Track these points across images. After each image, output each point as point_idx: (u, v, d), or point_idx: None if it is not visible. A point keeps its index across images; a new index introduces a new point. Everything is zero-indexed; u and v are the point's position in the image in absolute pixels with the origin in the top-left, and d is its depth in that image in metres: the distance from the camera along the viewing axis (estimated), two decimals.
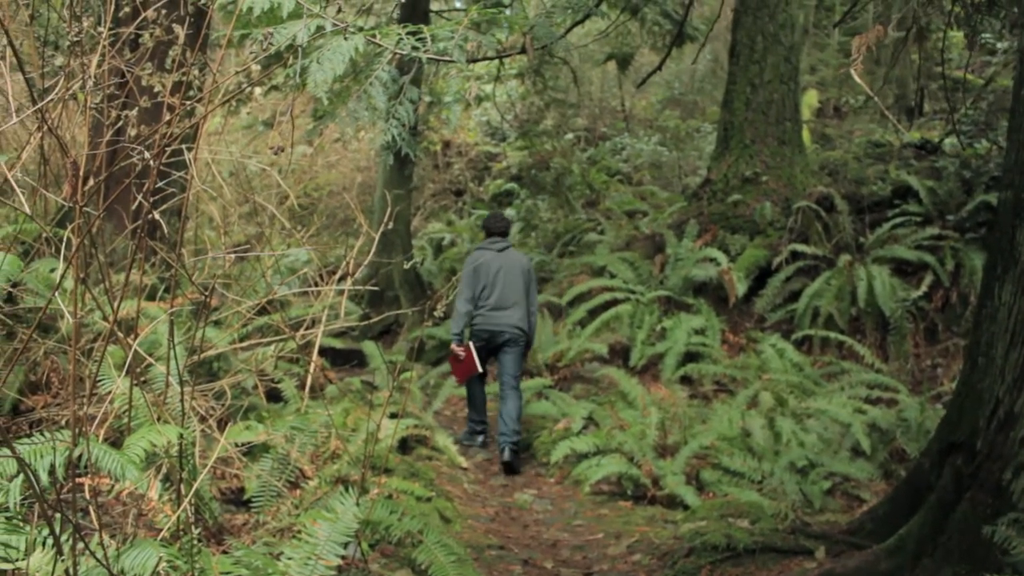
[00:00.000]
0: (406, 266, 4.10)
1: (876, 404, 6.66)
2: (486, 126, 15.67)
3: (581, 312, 8.69)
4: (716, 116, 11.84)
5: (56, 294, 2.24)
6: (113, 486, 3.30)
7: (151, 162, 2.26)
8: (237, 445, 4.05)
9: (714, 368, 7.53)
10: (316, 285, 7.04)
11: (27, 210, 2.37)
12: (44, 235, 4.22)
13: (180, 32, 2.40)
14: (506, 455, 6.42)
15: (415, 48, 3.00)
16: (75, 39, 2.25)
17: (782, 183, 9.27)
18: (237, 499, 4.07)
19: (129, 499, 3.34)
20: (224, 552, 3.23)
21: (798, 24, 10.09)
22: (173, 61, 2.45)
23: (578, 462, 6.18)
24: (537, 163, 12.76)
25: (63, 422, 3.66)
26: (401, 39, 3.00)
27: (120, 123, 2.40)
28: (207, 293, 2.83)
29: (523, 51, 4.13)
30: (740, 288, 8.37)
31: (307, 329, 5.05)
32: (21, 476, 2.32)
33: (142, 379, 3.77)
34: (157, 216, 2.37)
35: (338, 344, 7.85)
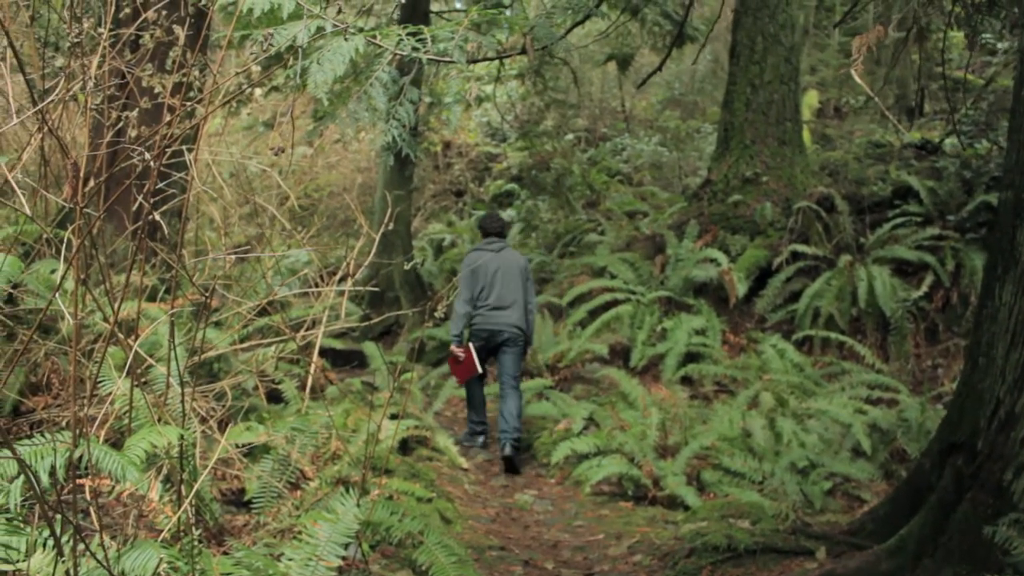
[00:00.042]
0: (406, 267, 4.11)
1: (877, 404, 6.66)
2: (486, 127, 15.68)
3: (581, 313, 8.69)
4: (716, 116, 11.85)
5: (57, 295, 2.24)
6: (114, 487, 3.30)
7: (151, 163, 2.26)
8: (238, 446, 4.05)
9: (715, 368, 7.53)
10: (316, 286, 7.04)
11: (28, 211, 2.37)
12: (45, 236, 4.22)
13: (180, 33, 2.41)
14: (507, 450, 6.45)
15: (415, 49, 3.00)
16: (75, 40, 2.25)
17: (782, 183, 9.27)
18: (238, 500, 4.07)
19: (130, 500, 3.34)
20: (225, 553, 3.23)
21: (798, 24, 10.09)
22: (173, 62, 2.45)
23: (579, 463, 6.18)
24: (537, 164, 12.76)
25: (64, 423, 3.66)
26: (401, 40, 3.00)
27: (120, 124, 2.40)
28: (207, 294, 2.83)
29: (523, 52, 4.13)
30: (741, 288, 8.37)
31: (308, 330, 5.05)
32: (22, 477, 2.32)
33: (143, 380, 3.77)
34: (157, 217, 2.37)
35: (339, 345, 7.85)
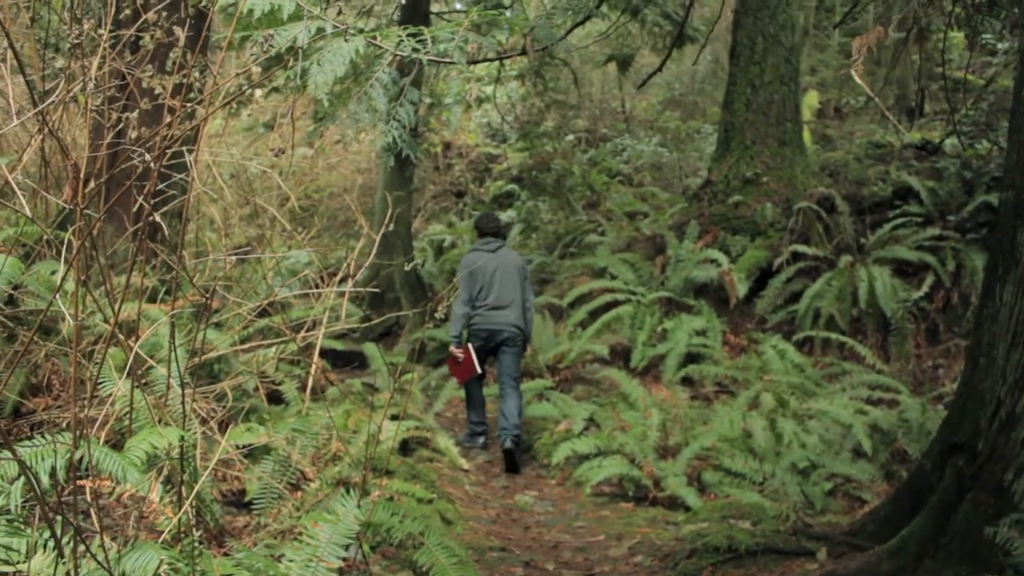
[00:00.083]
0: (407, 268, 4.11)
1: (877, 405, 6.66)
2: (487, 128, 15.68)
3: (582, 313, 8.69)
4: (716, 117, 11.85)
5: (57, 296, 2.24)
6: (114, 488, 3.30)
7: (152, 164, 2.26)
8: (238, 447, 4.05)
9: (715, 369, 7.53)
10: (317, 287, 7.05)
11: (28, 212, 2.37)
12: (45, 237, 4.22)
13: (181, 34, 2.41)
14: (507, 443, 6.48)
15: (415, 50, 3.00)
16: (76, 41, 2.25)
17: (783, 184, 9.27)
18: (238, 501, 4.07)
19: (130, 501, 3.34)
20: (225, 554, 3.23)
21: (798, 25, 10.09)
22: (174, 63, 2.45)
23: (579, 463, 6.17)
24: (538, 164, 12.77)
25: (64, 424, 3.65)
26: (401, 41, 3.00)
27: (121, 125, 2.40)
28: (208, 295, 2.83)
29: (523, 53, 4.13)
30: (741, 289, 8.37)
31: (308, 331, 5.05)
32: (22, 478, 2.32)
33: (143, 381, 3.77)
34: (158, 218, 2.37)
35: (339, 346, 7.85)
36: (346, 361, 8.23)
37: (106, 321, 3.44)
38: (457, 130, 15.13)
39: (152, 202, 2.36)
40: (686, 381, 7.67)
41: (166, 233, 2.83)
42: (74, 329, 2.19)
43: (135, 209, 2.56)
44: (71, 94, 2.47)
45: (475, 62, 3.61)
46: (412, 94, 3.58)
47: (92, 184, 2.32)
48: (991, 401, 3.65)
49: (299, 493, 4.08)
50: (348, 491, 3.40)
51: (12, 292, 4.09)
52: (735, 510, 5.07)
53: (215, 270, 5.79)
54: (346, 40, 2.92)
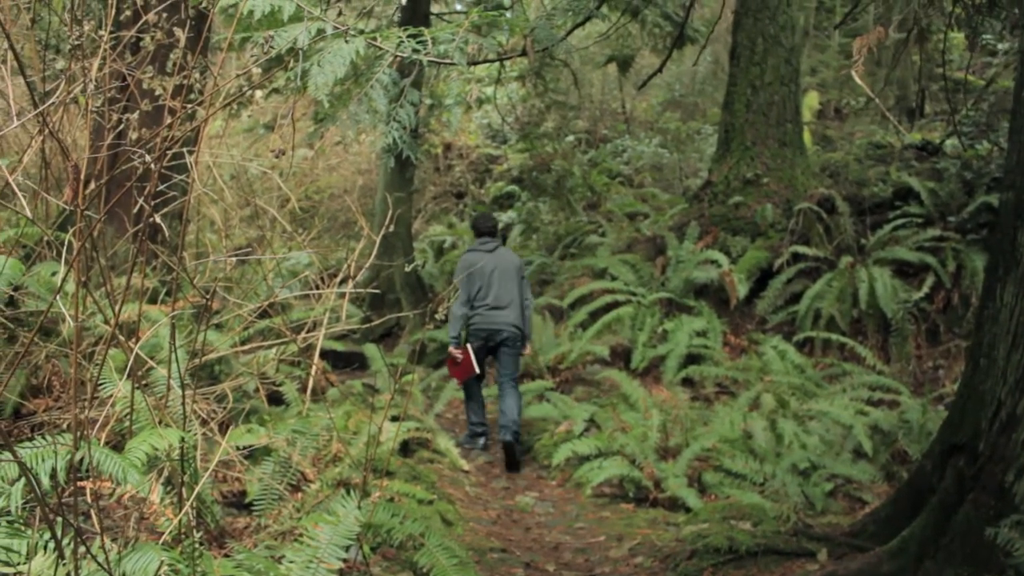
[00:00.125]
0: (407, 269, 4.10)
1: (878, 406, 6.65)
2: (487, 128, 15.68)
3: (582, 314, 8.69)
4: (717, 118, 11.85)
5: (57, 298, 2.24)
6: (115, 490, 3.30)
7: (152, 165, 2.26)
8: (238, 448, 4.05)
9: (715, 370, 7.53)
10: (317, 288, 7.05)
11: (28, 214, 2.37)
12: (45, 239, 4.23)
13: (181, 35, 2.41)
14: (507, 437, 6.51)
15: (416, 51, 3.00)
16: (76, 43, 2.25)
17: (783, 185, 9.28)
18: (239, 502, 4.07)
19: (131, 503, 3.34)
20: (226, 555, 3.23)
21: (799, 26, 10.10)
22: (174, 64, 2.45)
23: (580, 464, 6.17)
24: (538, 165, 12.77)
25: (64, 426, 3.65)
26: (402, 42, 3.00)
27: (121, 126, 2.40)
28: (208, 296, 2.83)
29: (524, 53, 4.13)
30: (741, 290, 8.37)
31: (308, 332, 5.05)
32: (22, 480, 2.32)
33: (143, 382, 3.77)
34: (158, 219, 2.37)
35: (339, 347, 7.85)
36: (346, 362, 8.23)
37: (106, 322, 3.44)
38: (457, 131, 15.14)
39: (152, 203, 2.36)
40: (687, 382, 7.67)
41: (166, 234, 2.83)
42: (74, 330, 2.19)
43: (135, 210, 2.57)
44: (72, 95, 2.47)
45: (475, 63, 3.62)
46: (412, 95, 3.58)
47: (92, 185, 2.32)
48: (992, 402, 3.65)
49: (299, 494, 4.08)
50: (348, 492, 3.40)
51: (13, 293, 4.09)
52: (736, 511, 5.06)
53: (215, 271, 5.79)
54: (346, 41, 2.92)
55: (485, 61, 3.82)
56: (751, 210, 9.09)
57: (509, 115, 14.34)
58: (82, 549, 2.16)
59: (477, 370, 6.69)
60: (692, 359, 7.84)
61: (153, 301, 5.01)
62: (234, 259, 4.60)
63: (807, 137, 10.87)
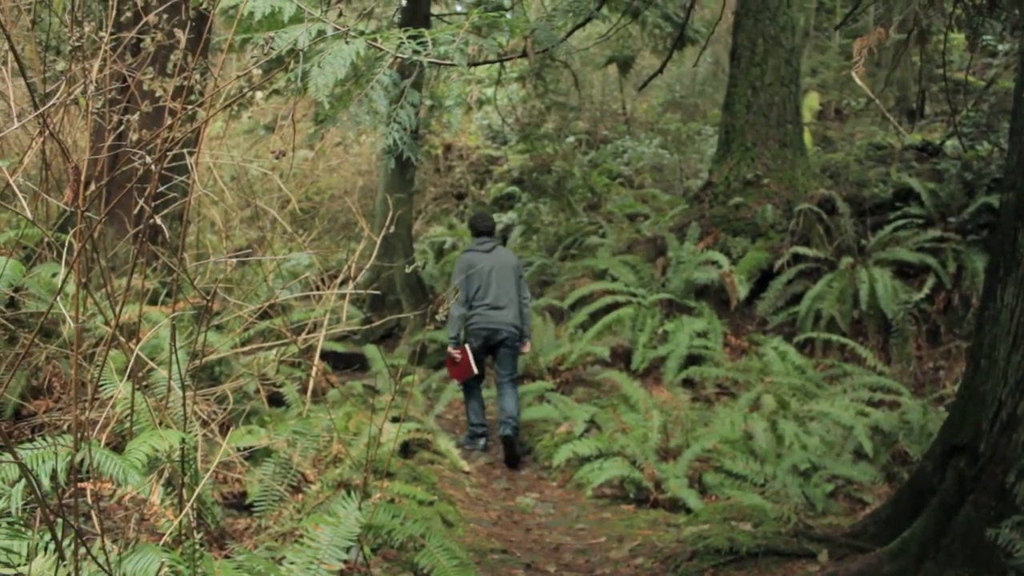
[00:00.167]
0: (407, 270, 4.10)
1: (878, 407, 6.65)
2: (487, 129, 15.69)
3: (583, 315, 8.69)
4: (717, 119, 11.85)
5: (58, 299, 2.24)
6: (115, 491, 3.30)
7: (152, 166, 2.26)
8: (239, 449, 4.05)
9: (716, 371, 7.53)
10: (318, 289, 7.05)
11: (29, 215, 2.37)
12: (46, 240, 4.23)
13: (181, 37, 2.41)
14: (507, 431, 6.54)
15: (416, 52, 3.00)
16: (76, 44, 2.25)
17: (783, 186, 9.28)
18: (239, 503, 4.07)
19: (131, 504, 3.34)
20: (226, 557, 3.23)
21: (799, 27, 10.10)
22: (174, 66, 2.45)
23: (580, 465, 6.17)
24: (538, 166, 12.78)
25: (65, 427, 3.65)
26: (402, 43, 3.00)
27: (122, 128, 2.40)
28: (209, 297, 2.83)
29: (524, 54, 4.13)
30: (742, 291, 8.37)
31: (309, 333, 5.05)
32: (23, 481, 2.32)
33: (144, 384, 3.77)
34: (159, 220, 2.37)
35: (340, 348, 7.85)
36: (347, 363, 8.23)
37: (107, 323, 3.44)
38: (458, 132, 15.15)
39: (153, 204, 2.36)
40: (687, 383, 7.67)
41: (167, 235, 2.83)
42: (75, 331, 2.19)
43: (136, 211, 2.57)
44: (72, 96, 2.47)
45: (476, 64, 3.62)
46: (413, 96, 3.58)
47: (93, 186, 2.32)
48: (992, 403, 3.64)
49: (300, 495, 4.08)
50: (349, 493, 3.40)
51: (13, 294, 4.09)
52: (736, 512, 5.06)
53: (216, 272, 5.79)
54: (347, 42, 2.92)
55: (485, 62, 3.83)
56: (751, 211, 9.09)
57: (509, 116, 14.34)
58: (82, 550, 2.16)
59: (475, 370, 6.70)
60: (693, 360, 7.84)
61: (153, 302, 5.01)
62: (234, 260, 4.60)
63: (807, 138, 10.87)
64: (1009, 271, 3.69)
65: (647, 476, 5.83)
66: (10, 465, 2.36)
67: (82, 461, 2.32)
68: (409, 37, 3.02)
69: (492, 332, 6.67)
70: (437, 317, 3.35)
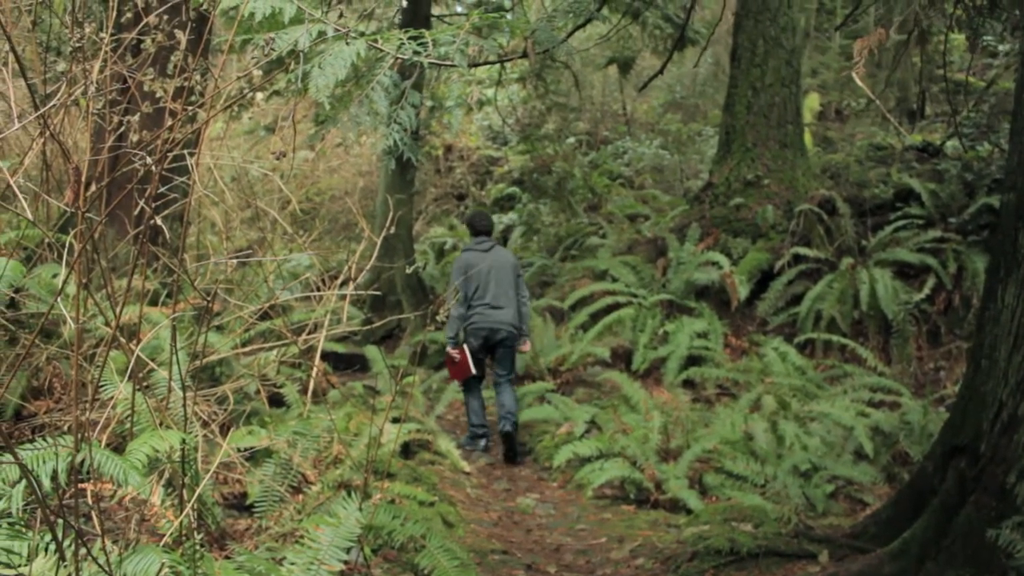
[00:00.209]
0: (408, 270, 4.10)
1: (879, 407, 6.65)
2: (488, 130, 15.69)
3: (583, 316, 8.69)
4: (718, 119, 11.85)
5: (58, 300, 2.24)
6: (115, 491, 3.30)
7: (153, 167, 2.27)
8: (239, 450, 4.05)
9: (716, 372, 7.52)
10: (318, 290, 7.05)
11: (29, 216, 2.37)
12: (46, 240, 4.23)
13: (182, 38, 2.41)
14: (507, 427, 6.56)
15: (417, 53, 3.00)
16: (77, 45, 2.26)
17: (784, 186, 9.28)
18: (240, 504, 4.07)
19: (131, 504, 3.34)
20: (227, 557, 3.23)
21: (799, 27, 10.10)
22: (175, 67, 2.45)
23: (581, 466, 6.17)
24: (539, 167, 12.78)
25: (65, 427, 3.66)
26: (403, 44, 3.00)
27: (122, 129, 2.40)
28: (209, 298, 2.83)
29: (524, 55, 4.14)
30: (742, 291, 8.37)
31: (309, 334, 5.05)
32: (23, 482, 2.32)
33: (144, 384, 3.78)
34: (159, 221, 2.37)
35: (340, 349, 7.85)
36: (347, 364, 8.24)
37: (107, 324, 3.44)
38: (458, 133, 15.15)
39: (153, 205, 2.36)
40: (687, 384, 7.67)
41: (167, 236, 2.83)
42: (75, 332, 2.19)
43: (136, 212, 2.57)
44: (72, 98, 2.47)
45: (476, 65, 3.62)
46: (413, 97, 3.58)
47: (93, 187, 2.32)
48: (993, 403, 3.64)
49: (300, 496, 4.08)
50: (349, 494, 3.40)
51: (13, 295, 4.09)
52: (737, 513, 5.06)
53: (216, 273, 5.79)
54: (347, 43, 2.92)
55: (486, 63, 3.83)
56: (752, 212, 9.09)
57: (510, 117, 14.35)
58: (83, 551, 2.16)
59: (474, 370, 6.70)
60: (693, 361, 7.84)
61: (154, 303, 5.02)
62: (235, 261, 4.60)
63: (808, 139, 10.87)
64: (1010, 271, 3.69)
65: (648, 477, 5.83)
66: (11, 466, 2.36)
67: (83, 462, 2.32)
68: (409, 38, 3.02)
69: (491, 331, 6.68)
70: (438, 318, 3.35)
